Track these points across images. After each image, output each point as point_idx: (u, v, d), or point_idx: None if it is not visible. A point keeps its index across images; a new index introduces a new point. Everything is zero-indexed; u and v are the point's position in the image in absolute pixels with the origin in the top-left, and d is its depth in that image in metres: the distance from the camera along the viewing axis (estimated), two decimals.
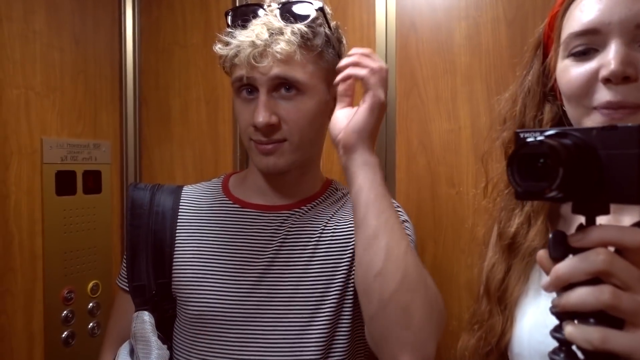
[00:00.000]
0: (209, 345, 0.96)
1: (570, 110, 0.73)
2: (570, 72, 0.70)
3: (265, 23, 0.91)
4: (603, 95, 0.66)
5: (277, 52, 0.88)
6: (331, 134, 0.90)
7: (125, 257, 1.06)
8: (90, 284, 1.54)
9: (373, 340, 0.83)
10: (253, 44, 0.89)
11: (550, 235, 0.50)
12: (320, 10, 0.95)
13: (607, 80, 0.66)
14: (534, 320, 0.75)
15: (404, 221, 0.98)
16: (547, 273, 0.50)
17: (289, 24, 0.91)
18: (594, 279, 0.46)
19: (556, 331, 0.50)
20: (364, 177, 0.84)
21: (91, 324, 1.54)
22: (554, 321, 0.51)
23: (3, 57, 1.34)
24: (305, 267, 0.97)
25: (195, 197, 1.08)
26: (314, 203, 1.04)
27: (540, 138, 0.48)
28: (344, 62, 0.90)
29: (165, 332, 1.03)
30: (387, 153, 1.40)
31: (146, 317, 1.00)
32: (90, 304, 1.54)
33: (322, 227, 1.01)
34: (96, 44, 1.61)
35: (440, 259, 1.35)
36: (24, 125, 1.37)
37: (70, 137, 1.50)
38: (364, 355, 1.04)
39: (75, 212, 1.50)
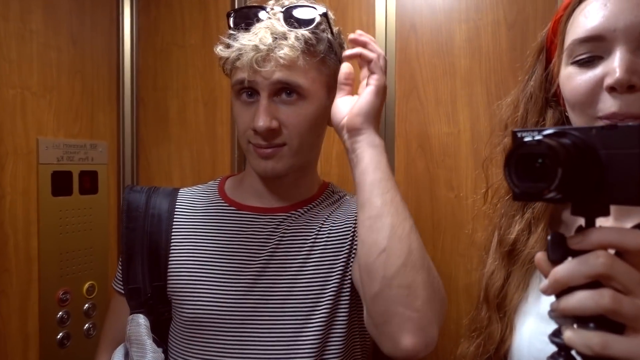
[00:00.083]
0: (204, 348, 0.96)
1: (574, 118, 0.72)
2: (574, 79, 0.69)
3: (268, 27, 0.90)
4: (608, 105, 0.65)
5: (280, 57, 0.88)
6: (334, 120, 0.91)
7: (120, 259, 1.06)
8: (86, 285, 1.53)
9: (374, 322, 0.81)
10: (256, 48, 0.88)
11: (549, 238, 0.49)
12: (324, 15, 0.94)
13: (611, 89, 0.64)
14: (534, 327, 0.74)
15: None
16: (546, 276, 0.49)
17: (293, 29, 0.91)
18: (594, 283, 0.45)
19: (555, 335, 0.49)
20: (370, 158, 0.84)
21: (87, 325, 1.53)
22: (554, 328, 0.50)
23: None
24: (299, 269, 0.97)
25: (191, 199, 1.08)
26: (311, 205, 1.05)
27: (538, 137, 0.47)
28: (357, 36, 0.91)
29: (161, 335, 1.03)
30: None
31: (141, 320, 1.00)
32: (86, 305, 1.53)
33: (318, 229, 1.01)
34: (93, 44, 1.59)
35: (438, 262, 1.34)
36: (19, 125, 1.36)
37: (67, 138, 1.49)
38: (361, 356, 1.04)
39: (71, 212, 1.48)
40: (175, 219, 1.05)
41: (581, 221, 0.49)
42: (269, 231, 1.01)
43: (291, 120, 0.94)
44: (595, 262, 0.45)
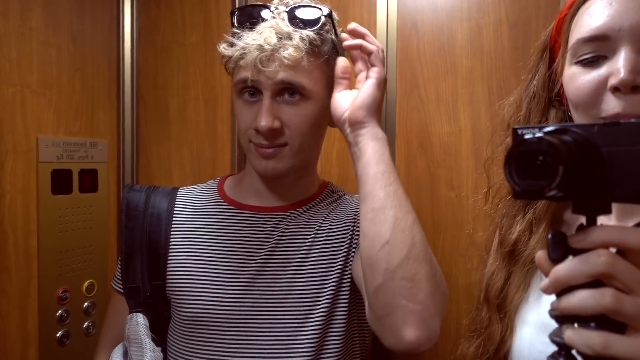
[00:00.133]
0: (203, 346, 0.96)
1: (577, 118, 0.71)
2: (578, 79, 0.69)
3: (273, 27, 0.90)
4: (612, 106, 0.65)
5: (284, 57, 0.88)
6: (335, 114, 0.90)
7: (120, 259, 1.06)
8: (86, 284, 1.53)
9: (376, 315, 0.80)
10: (261, 48, 0.88)
11: (550, 236, 0.48)
12: (329, 16, 0.94)
13: (615, 89, 0.64)
14: (534, 329, 0.74)
15: None
16: (546, 275, 0.48)
17: (298, 29, 0.90)
18: (595, 282, 0.45)
19: (555, 335, 0.48)
20: (373, 151, 0.84)
21: (86, 324, 1.53)
22: (554, 328, 0.49)
23: None
24: (298, 268, 0.97)
25: (190, 199, 1.08)
26: (310, 205, 1.05)
27: (539, 135, 0.47)
28: (355, 26, 0.91)
29: (160, 334, 1.03)
30: None
31: (140, 319, 1.00)
32: (86, 304, 1.53)
33: (317, 228, 1.01)
34: (94, 42, 1.59)
35: (438, 262, 1.33)
36: (19, 123, 1.36)
37: (67, 136, 1.49)
38: (360, 354, 1.04)
39: (71, 211, 1.48)
40: (174, 218, 1.05)
41: (582, 220, 0.48)
42: (268, 230, 1.01)
43: (293, 120, 0.93)
44: (597, 260, 0.44)
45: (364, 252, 0.81)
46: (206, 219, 1.04)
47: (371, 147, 0.84)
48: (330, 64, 0.96)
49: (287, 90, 0.92)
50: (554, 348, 0.49)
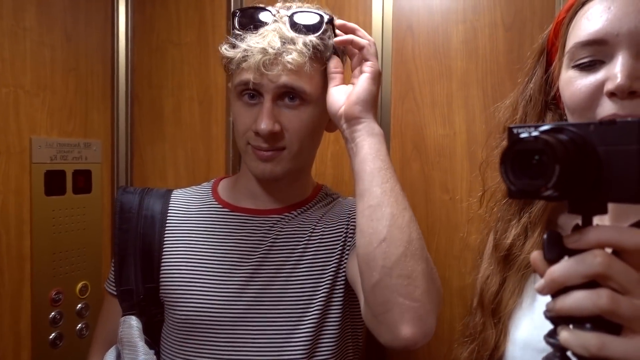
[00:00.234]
0: (196, 349, 0.96)
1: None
2: (575, 83, 0.69)
3: (276, 30, 0.90)
4: (608, 108, 0.65)
5: (288, 62, 0.88)
6: (331, 109, 0.91)
7: (113, 261, 1.06)
8: (79, 285, 1.52)
9: (373, 313, 0.80)
10: (264, 51, 0.88)
11: (545, 236, 0.48)
12: (330, 22, 0.94)
13: (612, 94, 0.64)
14: (527, 334, 0.74)
15: None
16: (542, 275, 0.48)
17: (301, 35, 0.90)
18: (590, 282, 0.44)
19: (550, 336, 0.48)
20: (370, 147, 0.84)
21: (79, 325, 1.52)
22: (549, 329, 0.49)
23: None
24: (292, 271, 0.98)
25: (184, 201, 1.08)
26: (304, 208, 1.05)
27: (535, 134, 0.46)
28: (344, 22, 0.92)
29: (153, 336, 1.03)
30: None
31: (133, 321, 1.00)
32: (79, 305, 1.52)
33: (311, 231, 1.01)
34: (88, 42, 1.58)
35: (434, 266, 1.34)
36: (12, 124, 1.35)
37: (61, 136, 1.48)
38: (353, 356, 1.04)
39: (64, 212, 1.47)
40: (168, 221, 1.05)
41: (578, 221, 0.48)
42: (263, 233, 1.01)
43: (293, 124, 0.94)
44: (593, 261, 0.44)
45: (361, 249, 0.81)
46: (200, 222, 1.04)
47: (368, 143, 0.84)
48: None
49: (288, 94, 0.93)
50: (546, 353, 0.49)
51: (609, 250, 0.45)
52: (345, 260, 0.98)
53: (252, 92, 0.93)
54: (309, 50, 0.90)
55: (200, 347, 0.95)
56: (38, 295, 1.41)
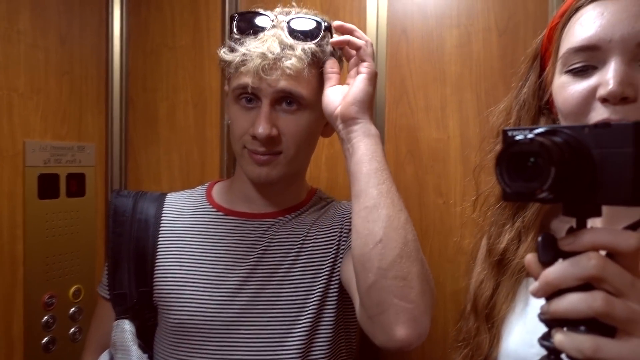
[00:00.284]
0: (189, 353, 0.96)
1: None
2: (568, 89, 0.69)
3: (276, 36, 0.90)
4: (600, 114, 0.65)
5: (287, 67, 0.89)
6: (327, 110, 0.91)
7: (106, 265, 1.05)
8: (73, 289, 1.52)
9: (368, 314, 0.81)
10: (264, 56, 0.88)
11: (539, 239, 0.48)
12: (328, 29, 0.95)
13: (604, 100, 0.64)
14: (520, 339, 0.74)
15: None
16: (536, 278, 0.48)
17: (299, 42, 0.91)
18: (585, 285, 0.44)
19: (544, 339, 0.48)
20: (366, 148, 0.84)
21: (72, 329, 1.52)
22: (543, 332, 0.49)
23: None
24: (286, 274, 0.98)
25: (178, 204, 1.08)
26: (298, 212, 1.05)
27: (530, 136, 0.46)
28: (341, 23, 0.92)
29: (146, 341, 1.03)
30: None
31: (126, 325, 1.00)
32: (72, 309, 1.52)
33: (305, 235, 1.01)
34: (82, 45, 1.58)
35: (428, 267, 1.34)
36: (6, 127, 1.34)
37: (54, 140, 1.48)
38: (347, 359, 1.04)
39: (58, 215, 1.47)
40: (162, 224, 1.04)
41: (572, 223, 0.48)
42: (257, 236, 1.01)
43: (290, 129, 0.94)
44: (587, 264, 0.44)
45: (357, 250, 0.81)
46: (194, 225, 1.04)
47: (364, 144, 0.84)
48: None
49: (286, 99, 0.93)
50: (541, 356, 0.49)
51: (602, 252, 0.45)
52: (339, 264, 0.99)
53: (249, 96, 0.94)
54: (308, 56, 0.91)
55: (194, 351, 0.95)
56: (31, 299, 1.40)
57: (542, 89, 0.79)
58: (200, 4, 1.59)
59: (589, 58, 0.67)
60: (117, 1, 1.66)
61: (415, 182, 1.36)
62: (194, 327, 0.95)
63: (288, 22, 0.92)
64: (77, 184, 1.53)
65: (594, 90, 0.66)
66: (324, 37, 0.94)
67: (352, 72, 0.91)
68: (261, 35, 0.91)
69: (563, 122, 0.72)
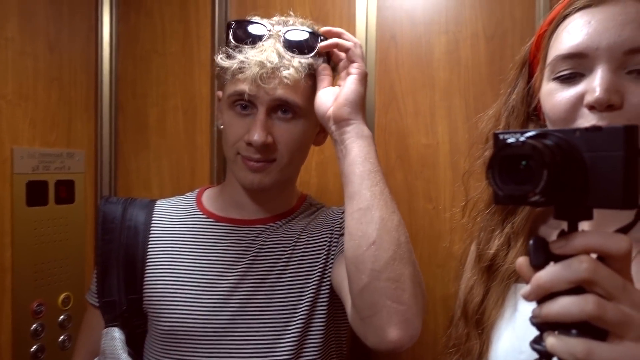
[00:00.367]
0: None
1: None
2: (555, 96, 0.70)
3: (274, 46, 0.91)
4: (588, 120, 0.65)
5: (285, 76, 0.89)
6: (319, 111, 0.91)
7: (95, 272, 1.05)
8: (62, 296, 1.50)
9: (360, 316, 0.81)
10: (262, 65, 0.89)
11: (531, 242, 0.48)
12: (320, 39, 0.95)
13: (591, 107, 0.65)
14: (509, 344, 0.74)
15: None
16: (527, 281, 0.48)
17: (296, 55, 0.91)
18: (576, 288, 0.44)
19: (536, 342, 0.48)
20: (359, 149, 0.84)
21: (62, 337, 1.50)
22: (529, 347, 0.49)
23: None
24: (277, 281, 0.98)
25: (168, 211, 1.08)
26: (289, 218, 1.06)
27: (522, 139, 0.46)
28: (329, 28, 0.93)
29: (136, 348, 1.02)
30: None
31: (116, 333, 1.00)
32: (61, 317, 1.50)
33: (295, 240, 1.02)
34: (71, 51, 1.57)
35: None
36: None
37: (43, 146, 1.47)
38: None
39: (46, 222, 1.46)
40: (152, 231, 1.04)
41: (564, 227, 0.48)
42: (247, 243, 1.01)
43: (285, 137, 0.95)
44: (579, 267, 0.44)
45: (350, 251, 0.81)
46: (184, 232, 1.04)
47: (357, 145, 0.85)
48: None
49: (281, 107, 0.94)
50: None
51: (593, 255, 0.45)
52: (329, 269, 0.99)
53: (245, 103, 0.94)
54: (305, 68, 0.91)
55: (184, 358, 0.95)
56: (19, 307, 1.39)
57: (530, 95, 0.80)
58: (190, 11, 1.59)
59: (577, 65, 0.68)
60: (106, 7, 1.65)
61: (405, 188, 1.36)
62: (185, 334, 0.95)
63: (285, 35, 0.93)
64: (66, 191, 1.52)
65: (581, 97, 0.66)
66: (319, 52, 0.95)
67: (343, 73, 0.92)
68: (259, 44, 0.92)
69: (551, 128, 0.73)
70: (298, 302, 0.97)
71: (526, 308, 0.74)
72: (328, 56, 0.96)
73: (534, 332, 0.49)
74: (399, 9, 1.37)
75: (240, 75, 0.91)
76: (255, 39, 0.93)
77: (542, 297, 0.46)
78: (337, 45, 0.91)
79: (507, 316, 0.77)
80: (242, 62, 0.90)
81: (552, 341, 0.45)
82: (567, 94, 0.68)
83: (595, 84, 0.64)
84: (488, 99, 1.26)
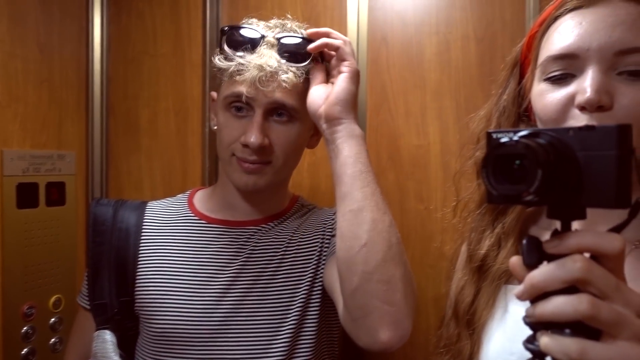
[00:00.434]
0: None
1: None
2: (546, 96, 0.70)
3: (271, 54, 0.91)
4: (578, 121, 0.66)
5: (283, 80, 0.89)
6: (310, 108, 0.90)
7: (86, 274, 1.04)
8: (53, 299, 1.50)
9: (352, 317, 0.81)
10: (261, 68, 0.89)
11: (524, 242, 0.48)
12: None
13: (582, 108, 0.65)
14: (500, 346, 0.74)
15: None
16: (520, 281, 0.48)
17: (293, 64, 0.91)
18: (569, 288, 0.44)
19: (529, 342, 0.48)
20: (350, 149, 0.84)
21: (53, 340, 1.50)
22: (519, 347, 0.49)
23: None
24: (269, 281, 0.98)
25: (159, 213, 1.07)
26: (281, 219, 1.06)
27: (515, 138, 0.46)
28: (315, 29, 0.92)
29: (128, 351, 1.02)
30: None
31: (107, 336, 0.99)
32: (52, 319, 1.50)
33: (287, 242, 1.02)
34: (62, 53, 1.56)
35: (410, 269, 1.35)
36: None
37: (33, 148, 1.46)
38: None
39: (37, 225, 1.45)
40: (143, 233, 1.04)
41: (557, 226, 0.48)
42: (240, 244, 1.01)
43: (281, 140, 0.95)
44: (573, 266, 0.44)
45: (341, 252, 0.81)
46: (176, 234, 1.03)
47: (348, 145, 0.84)
48: None
49: (278, 110, 0.94)
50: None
51: (586, 255, 0.45)
52: (321, 270, 0.99)
53: (241, 105, 0.94)
54: (302, 73, 0.92)
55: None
56: (9, 310, 1.38)
57: (521, 96, 0.80)
58: (181, 12, 1.59)
59: (568, 66, 0.68)
60: (97, 9, 1.65)
61: (396, 188, 1.37)
62: (177, 335, 0.94)
63: (281, 42, 0.92)
64: (57, 193, 1.52)
65: (572, 97, 0.67)
66: (315, 58, 0.94)
67: (334, 72, 0.91)
68: (258, 49, 0.91)
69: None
70: (290, 304, 0.97)
71: (517, 309, 0.74)
72: (321, 54, 0.95)
73: (525, 334, 0.49)
74: (390, 11, 1.37)
75: (238, 77, 0.90)
76: (252, 45, 0.92)
77: (536, 296, 0.46)
78: (326, 45, 0.90)
79: (497, 317, 0.77)
80: (240, 64, 0.90)
81: (546, 341, 0.45)
82: (558, 94, 0.68)
83: (586, 84, 0.65)
84: (478, 100, 1.26)
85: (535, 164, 0.42)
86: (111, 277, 1.01)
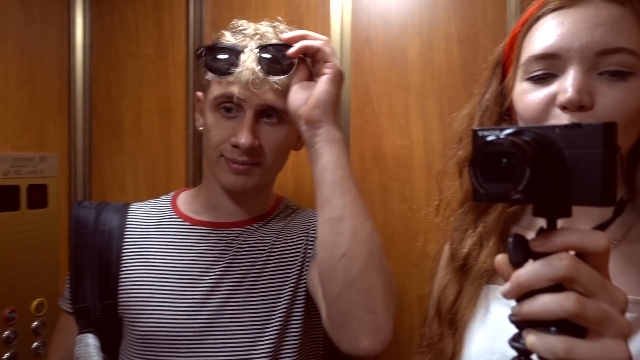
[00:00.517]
0: None
1: None
2: (528, 96, 0.70)
3: (255, 67, 0.90)
4: (560, 120, 0.66)
5: (275, 82, 0.89)
6: (291, 108, 0.88)
7: (68, 278, 1.03)
8: (35, 302, 1.48)
9: (334, 325, 0.81)
10: (254, 72, 0.88)
11: (510, 240, 0.48)
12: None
13: (563, 107, 0.66)
14: (481, 345, 0.75)
15: None
16: (506, 279, 0.47)
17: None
18: (555, 286, 0.44)
19: (515, 340, 0.48)
20: (330, 155, 0.83)
21: (35, 344, 1.48)
22: (501, 347, 0.50)
23: None
24: (254, 283, 0.98)
25: (142, 215, 1.07)
26: (266, 220, 1.06)
27: (502, 136, 0.46)
28: (290, 34, 0.89)
29: (111, 354, 1.02)
30: None
31: (90, 339, 0.99)
32: (35, 323, 1.48)
33: (271, 243, 1.02)
34: (43, 54, 1.55)
35: (392, 273, 1.35)
36: None
37: (14, 150, 1.44)
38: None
39: (18, 228, 1.43)
40: (126, 235, 1.03)
41: (542, 224, 0.48)
42: (224, 246, 1.01)
43: (270, 141, 0.95)
44: (559, 264, 0.44)
45: (322, 261, 0.81)
46: (159, 236, 1.03)
47: (328, 150, 0.83)
48: None
49: (268, 111, 0.94)
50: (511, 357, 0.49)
51: (572, 253, 0.45)
52: (305, 271, 0.99)
53: (230, 106, 0.93)
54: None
55: None
56: None
57: (503, 95, 0.80)
58: (164, 13, 1.58)
59: (549, 66, 0.69)
60: (79, 9, 1.63)
61: (380, 189, 1.37)
62: (161, 338, 0.94)
63: (261, 55, 0.90)
64: (39, 195, 1.50)
65: (553, 97, 0.67)
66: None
67: (316, 72, 0.89)
68: (241, 65, 0.90)
69: None
70: (275, 305, 0.97)
71: (498, 309, 0.75)
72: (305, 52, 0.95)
73: (506, 333, 0.49)
74: (374, 11, 1.38)
75: (230, 78, 0.90)
76: (232, 65, 0.90)
77: (522, 295, 0.46)
78: (306, 48, 0.87)
79: (479, 317, 0.77)
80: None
81: (532, 339, 0.45)
82: (540, 94, 0.69)
83: (567, 84, 0.65)
84: (461, 100, 1.26)
85: (523, 162, 0.42)
86: (94, 280, 1.01)
